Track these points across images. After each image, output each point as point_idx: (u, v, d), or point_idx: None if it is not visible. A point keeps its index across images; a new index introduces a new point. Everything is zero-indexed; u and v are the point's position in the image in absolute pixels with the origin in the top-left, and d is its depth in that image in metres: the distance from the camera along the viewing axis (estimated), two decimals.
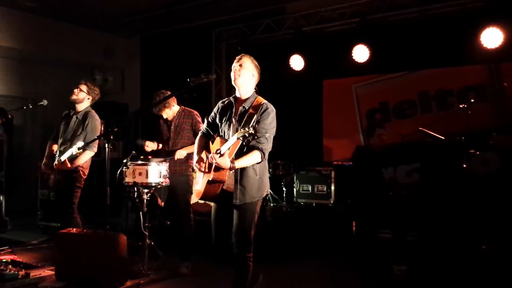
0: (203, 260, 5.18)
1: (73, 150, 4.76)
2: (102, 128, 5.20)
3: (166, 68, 9.02)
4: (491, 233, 5.15)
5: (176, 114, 5.06)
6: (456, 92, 7.06)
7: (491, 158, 5.62)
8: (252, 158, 3.28)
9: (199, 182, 3.48)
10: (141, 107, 9.47)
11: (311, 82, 8.03)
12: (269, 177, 6.96)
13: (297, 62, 7.67)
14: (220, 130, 3.53)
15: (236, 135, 3.16)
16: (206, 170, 3.37)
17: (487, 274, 4.65)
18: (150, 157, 5.21)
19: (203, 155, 3.49)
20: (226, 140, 3.31)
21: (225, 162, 3.17)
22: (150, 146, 5.13)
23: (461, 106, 5.70)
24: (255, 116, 3.32)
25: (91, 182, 7.56)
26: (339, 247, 5.82)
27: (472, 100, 5.67)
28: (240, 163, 3.24)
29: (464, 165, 5.43)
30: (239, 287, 3.44)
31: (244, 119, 3.35)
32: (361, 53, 7.07)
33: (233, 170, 3.29)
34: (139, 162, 4.86)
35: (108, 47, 9.59)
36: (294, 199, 7.34)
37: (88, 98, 5.16)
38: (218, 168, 3.24)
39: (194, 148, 3.64)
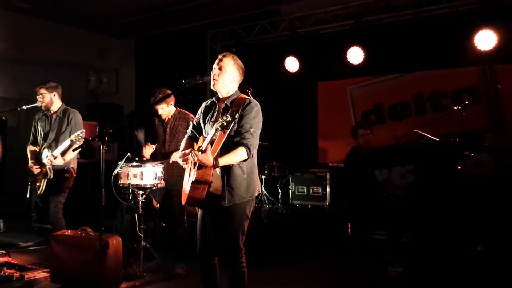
0: (198, 262, 5.16)
1: (66, 144, 4.82)
2: (97, 130, 5.22)
3: (161, 69, 9.01)
4: (486, 235, 5.17)
5: (172, 116, 5.05)
6: (450, 94, 7.09)
7: (485, 159, 5.66)
8: (237, 155, 3.10)
9: (185, 187, 3.32)
10: (136, 109, 9.44)
11: (306, 83, 8.04)
12: (265, 179, 7.08)
13: (292, 64, 7.67)
14: (204, 131, 3.39)
15: (214, 126, 2.99)
16: (191, 166, 3.20)
17: (482, 276, 4.67)
18: (145, 159, 5.20)
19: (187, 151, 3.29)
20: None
21: (208, 158, 2.99)
22: (149, 150, 5.13)
23: (455, 108, 5.73)
24: (238, 113, 3.10)
25: (85, 184, 7.60)
26: (334, 248, 5.83)
27: (466, 102, 5.69)
28: (224, 160, 3.07)
29: (459, 167, 5.45)
30: None
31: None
32: (355, 55, 7.09)
33: (219, 170, 3.15)
34: (134, 164, 4.84)
35: (103, 48, 9.57)
36: (290, 200, 7.35)
37: (54, 95, 5.18)
38: (201, 167, 3.06)
39: (180, 151, 3.44)
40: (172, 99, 5.00)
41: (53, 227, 5.01)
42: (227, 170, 3.16)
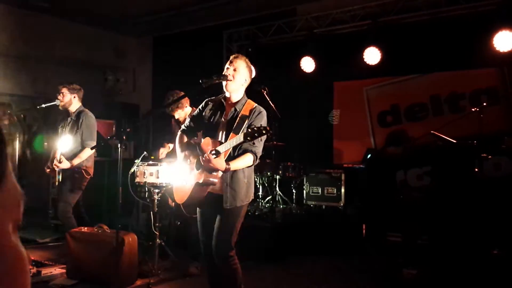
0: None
1: (63, 148, 4.91)
2: (114, 128, 5.28)
3: (177, 69, 9.07)
4: (503, 238, 5.11)
5: (188, 116, 5.07)
6: (468, 96, 7.01)
7: (503, 162, 5.59)
8: (246, 161, 3.13)
9: (184, 185, 3.29)
10: (152, 108, 9.52)
11: (322, 84, 8.02)
12: (279, 179, 7.08)
13: (308, 64, 7.66)
14: (208, 130, 3.33)
15: (242, 134, 2.91)
16: (194, 169, 3.19)
17: (498, 279, 4.62)
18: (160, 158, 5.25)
19: (189, 153, 3.33)
20: (220, 142, 3.12)
21: (221, 163, 3.00)
22: (164, 152, 5.19)
23: (473, 109, 5.67)
24: (248, 119, 3.15)
25: (102, 182, 7.67)
26: (349, 250, 5.80)
27: (484, 104, 5.63)
28: (235, 165, 3.08)
29: (476, 169, 5.40)
30: None
31: (237, 122, 3.18)
32: (372, 56, 7.05)
33: (221, 172, 3.13)
34: (150, 162, 4.88)
35: (120, 47, 9.67)
36: (304, 201, 7.33)
37: (74, 97, 5.22)
38: (211, 170, 3.07)
39: (177, 148, 3.43)
40: (186, 101, 5.01)
41: (63, 226, 5.06)
42: (231, 173, 3.17)
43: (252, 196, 3.37)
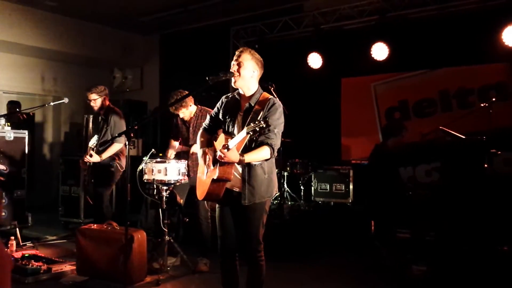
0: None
1: (91, 143, 5.38)
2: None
3: (184, 66, 9.09)
4: None
5: (194, 115, 5.08)
6: (477, 91, 6.97)
7: None
8: (262, 154, 3.09)
9: (203, 181, 3.33)
10: (160, 106, 9.54)
11: (329, 80, 7.99)
12: (287, 176, 7.07)
13: (315, 60, 7.64)
14: (225, 127, 3.34)
15: (245, 130, 2.91)
16: (211, 166, 3.20)
17: (508, 276, 4.60)
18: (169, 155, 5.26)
19: (207, 150, 3.32)
20: (232, 137, 3.11)
21: (235, 155, 2.97)
22: (172, 152, 5.23)
23: (482, 105, 5.65)
24: (262, 112, 3.13)
25: None
26: (357, 246, 5.80)
27: (493, 99, 5.60)
28: (249, 157, 3.05)
29: (485, 165, 5.36)
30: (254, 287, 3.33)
31: (250, 116, 3.17)
32: (380, 51, 7.02)
33: (241, 169, 3.17)
34: (158, 159, 4.90)
35: (128, 45, 9.69)
36: (312, 197, 7.33)
37: (104, 98, 5.57)
38: (223, 164, 3.06)
39: (197, 145, 3.46)
40: (190, 100, 5.01)
41: (105, 216, 5.31)
42: (249, 170, 3.17)
43: (275, 191, 3.37)
